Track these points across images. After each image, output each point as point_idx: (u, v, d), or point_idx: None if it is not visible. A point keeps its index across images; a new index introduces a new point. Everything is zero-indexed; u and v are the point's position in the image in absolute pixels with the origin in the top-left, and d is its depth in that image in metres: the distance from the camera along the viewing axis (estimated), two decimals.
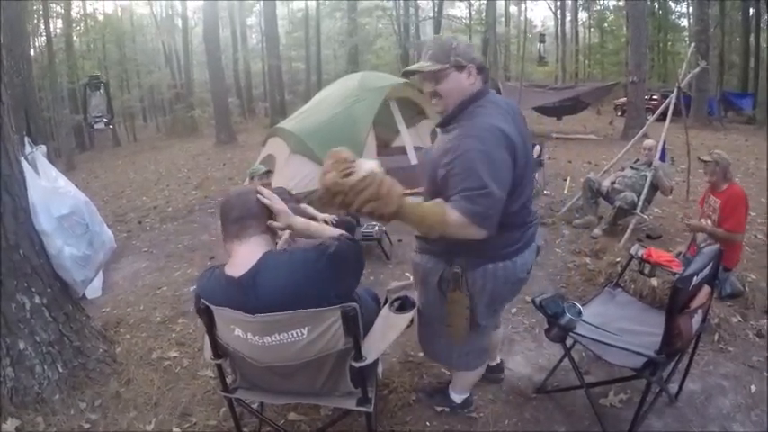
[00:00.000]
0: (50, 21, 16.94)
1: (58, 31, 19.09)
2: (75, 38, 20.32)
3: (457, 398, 2.26)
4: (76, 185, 2.89)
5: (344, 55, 26.41)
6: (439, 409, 2.28)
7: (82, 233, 2.69)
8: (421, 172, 1.87)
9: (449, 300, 1.81)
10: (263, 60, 23.91)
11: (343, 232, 1.70)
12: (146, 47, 29.08)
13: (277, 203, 1.63)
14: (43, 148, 2.84)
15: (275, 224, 1.63)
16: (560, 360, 2.45)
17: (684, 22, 27.19)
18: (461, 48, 1.68)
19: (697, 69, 5.90)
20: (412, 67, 1.75)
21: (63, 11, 18.84)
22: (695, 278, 1.87)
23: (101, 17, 23.04)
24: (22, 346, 2.29)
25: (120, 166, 12.26)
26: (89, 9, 22.57)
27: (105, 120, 14.50)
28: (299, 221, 1.72)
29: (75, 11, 20.92)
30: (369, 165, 1.44)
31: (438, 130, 1.84)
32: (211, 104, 16.86)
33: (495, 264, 1.76)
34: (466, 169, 1.52)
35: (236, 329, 1.55)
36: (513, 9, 33.21)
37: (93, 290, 3.81)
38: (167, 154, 14.02)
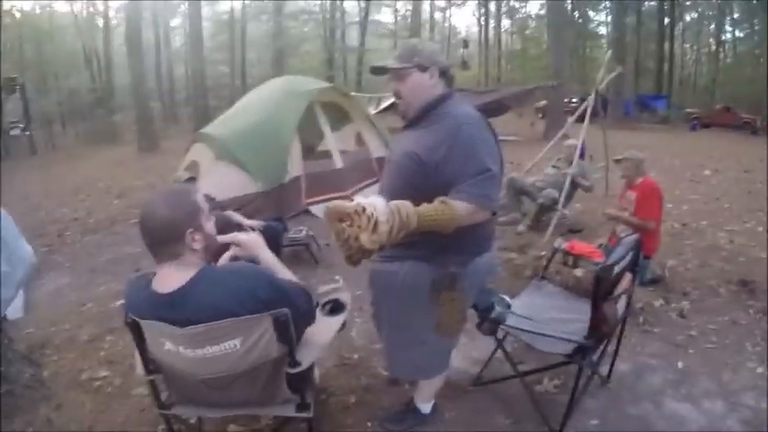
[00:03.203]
0: None
1: None
2: None
3: (426, 407, 2.20)
4: None
5: (270, 59, 25.91)
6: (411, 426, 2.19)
7: None
8: (388, 171, 1.88)
9: (442, 302, 1.78)
10: (187, 63, 23.06)
11: (301, 283, 1.64)
12: (64, 48, 27.15)
13: (246, 235, 1.66)
14: None
15: (239, 254, 1.62)
16: (493, 352, 2.51)
17: (603, 30, 29.03)
18: (426, 50, 1.75)
19: (614, 74, 6.29)
20: (378, 64, 1.80)
21: None
22: (617, 267, 1.99)
23: (18, 15, 21.32)
24: None
25: (37, 176, 11.42)
26: (5, 6, 20.78)
27: (21, 125, 13.42)
28: (268, 257, 1.65)
29: None
30: (380, 204, 1.40)
31: (402, 129, 1.87)
32: (133, 109, 16.07)
33: (481, 256, 1.82)
34: (467, 155, 1.59)
35: (167, 343, 1.48)
36: (437, 15, 34.17)
37: (15, 310, 3.51)
38: (87, 162, 13.21)
